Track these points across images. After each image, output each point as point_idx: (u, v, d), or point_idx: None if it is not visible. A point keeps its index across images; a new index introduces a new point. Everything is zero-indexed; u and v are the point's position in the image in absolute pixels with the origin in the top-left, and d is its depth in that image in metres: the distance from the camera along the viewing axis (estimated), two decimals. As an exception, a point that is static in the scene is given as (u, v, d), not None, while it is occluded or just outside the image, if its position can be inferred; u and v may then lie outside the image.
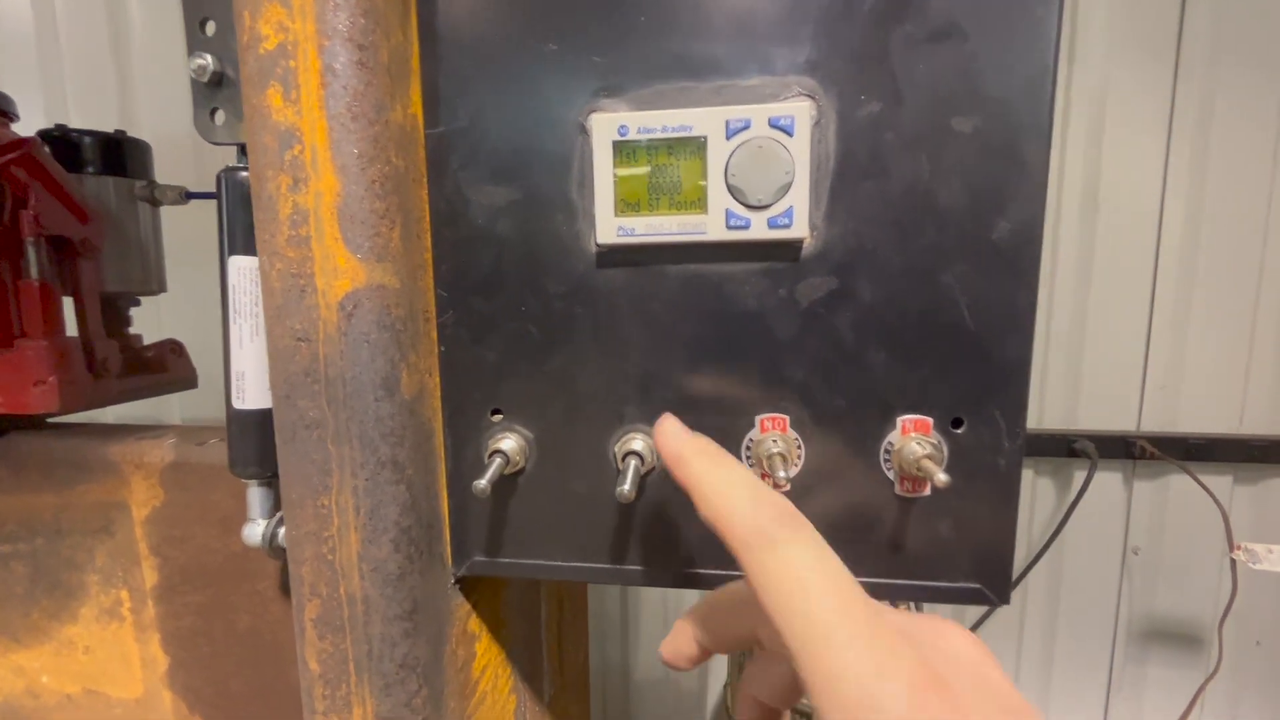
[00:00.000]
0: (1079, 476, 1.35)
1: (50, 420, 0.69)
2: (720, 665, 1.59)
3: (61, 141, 0.70)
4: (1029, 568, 1.40)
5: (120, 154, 0.75)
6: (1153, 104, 1.29)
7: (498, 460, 0.34)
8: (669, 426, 0.27)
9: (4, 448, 0.61)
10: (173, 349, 0.80)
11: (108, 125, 0.73)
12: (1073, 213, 1.33)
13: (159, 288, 0.80)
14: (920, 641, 0.20)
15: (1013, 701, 0.20)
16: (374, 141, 0.30)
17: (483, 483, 0.32)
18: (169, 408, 1.43)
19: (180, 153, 1.36)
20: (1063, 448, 1.38)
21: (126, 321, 0.78)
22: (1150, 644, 1.46)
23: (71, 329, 0.65)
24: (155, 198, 0.77)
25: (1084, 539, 1.44)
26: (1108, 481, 1.43)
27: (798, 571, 0.21)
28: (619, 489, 0.31)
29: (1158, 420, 1.39)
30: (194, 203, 0.77)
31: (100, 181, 0.73)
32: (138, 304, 0.80)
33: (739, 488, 0.23)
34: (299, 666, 0.35)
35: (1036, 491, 1.46)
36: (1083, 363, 1.39)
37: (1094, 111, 1.30)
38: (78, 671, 0.62)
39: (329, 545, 0.32)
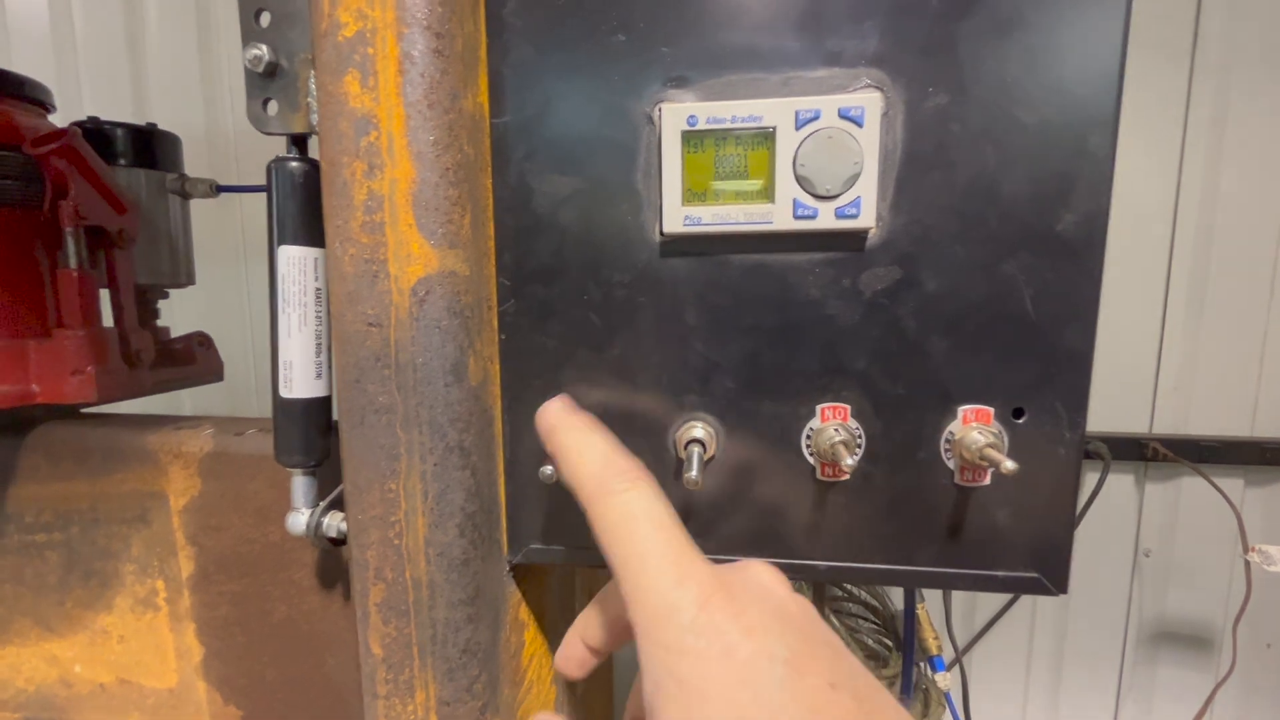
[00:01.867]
0: (1092, 478, 1.35)
1: (83, 410, 0.69)
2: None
3: (94, 133, 0.70)
4: (1042, 568, 1.40)
5: (152, 146, 0.76)
6: (1168, 106, 1.30)
7: (560, 447, 0.34)
8: (552, 404, 0.29)
9: (39, 437, 0.61)
10: (200, 341, 0.80)
11: (121, 118, 0.73)
12: (1087, 215, 1.33)
13: (188, 280, 0.81)
14: (722, 568, 0.23)
15: (788, 610, 0.22)
16: (449, 129, 0.30)
17: (548, 469, 0.32)
18: (178, 403, 1.44)
19: (195, 146, 1.36)
20: (1076, 449, 1.38)
21: (155, 314, 0.78)
22: (1161, 646, 1.46)
23: (105, 320, 0.66)
24: (186, 191, 0.78)
25: (1096, 541, 1.45)
26: (1120, 483, 1.43)
27: (630, 512, 0.24)
28: (686, 475, 0.32)
29: (1170, 422, 1.40)
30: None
31: (132, 174, 0.73)
32: (166, 296, 0.81)
33: (593, 450, 0.27)
34: (360, 651, 0.35)
35: (1048, 493, 1.46)
36: (1095, 364, 1.39)
37: (1110, 113, 1.30)
38: (112, 661, 0.63)
39: (395, 530, 0.33)
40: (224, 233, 1.43)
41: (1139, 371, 1.40)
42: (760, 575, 0.24)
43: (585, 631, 0.30)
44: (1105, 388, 1.40)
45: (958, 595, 1.49)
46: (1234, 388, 1.37)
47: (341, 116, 0.30)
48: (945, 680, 1.00)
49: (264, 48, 0.43)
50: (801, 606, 0.23)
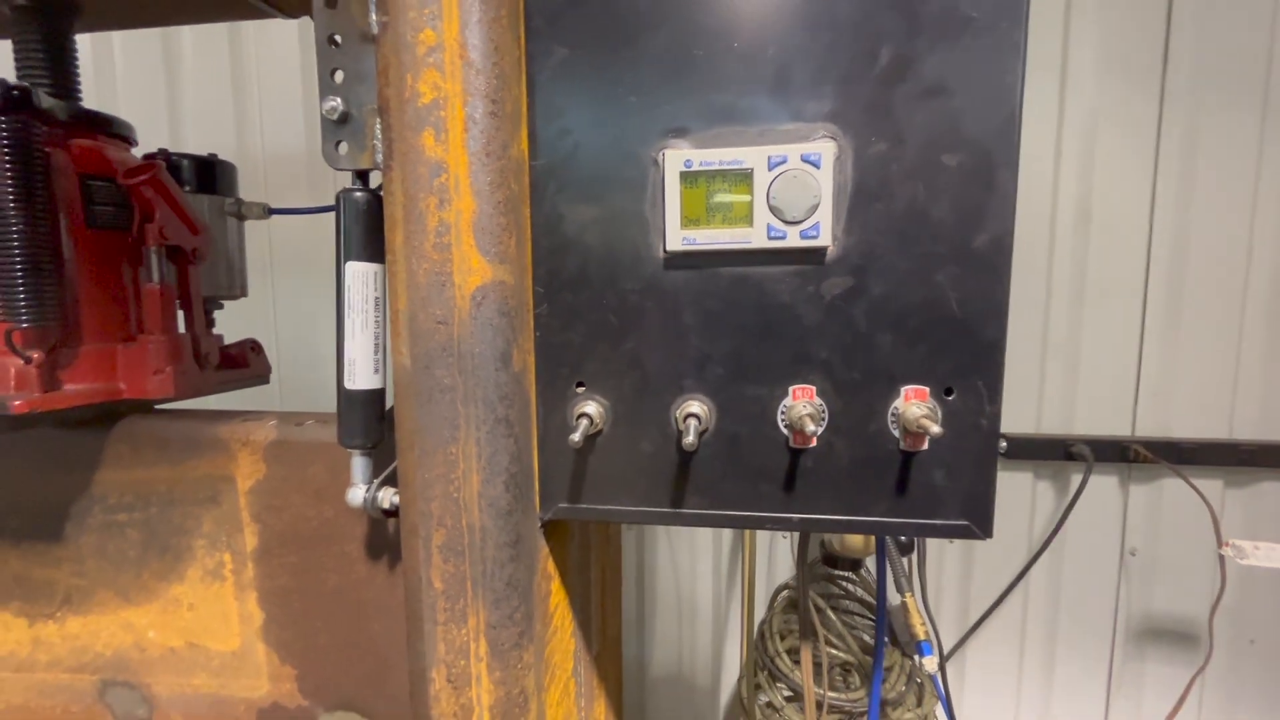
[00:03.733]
0: (1077, 480, 1.42)
1: (156, 408, 0.78)
2: (733, 662, 1.65)
3: (165, 164, 0.80)
4: (1029, 565, 1.47)
5: (213, 174, 0.86)
6: (1141, 125, 1.37)
7: (584, 421, 0.43)
8: None
9: (124, 429, 0.70)
10: (252, 347, 0.89)
11: (157, 144, 0.82)
12: (1067, 229, 1.42)
13: (241, 293, 0.90)
14: None
15: None
16: (500, 172, 0.39)
17: (575, 436, 0.41)
18: (207, 405, 1.53)
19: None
20: (1060, 451, 1.45)
21: (212, 322, 0.87)
22: (1148, 642, 1.51)
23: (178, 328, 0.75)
24: (241, 213, 0.87)
25: (1083, 542, 1.50)
26: (1105, 486, 1.48)
27: None
28: (684, 439, 0.40)
29: (1152, 426, 1.46)
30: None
31: (197, 199, 0.83)
32: (221, 307, 0.90)
33: None
34: (421, 587, 0.44)
35: (1036, 494, 1.52)
36: (1079, 370, 1.46)
37: (1086, 132, 1.38)
38: (182, 627, 0.71)
39: (455, 485, 0.41)
40: (254, 250, 1.53)
41: (1120, 377, 1.46)
42: None
43: None
44: (1088, 393, 1.47)
45: (949, 593, 1.56)
46: (1212, 393, 1.44)
47: (420, 163, 0.39)
48: (931, 663, 1.07)
49: (338, 100, 0.53)
50: None
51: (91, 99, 1.61)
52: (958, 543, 1.54)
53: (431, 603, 0.43)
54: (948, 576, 1.56)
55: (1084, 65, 1.37)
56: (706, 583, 1.63)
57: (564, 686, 0.55)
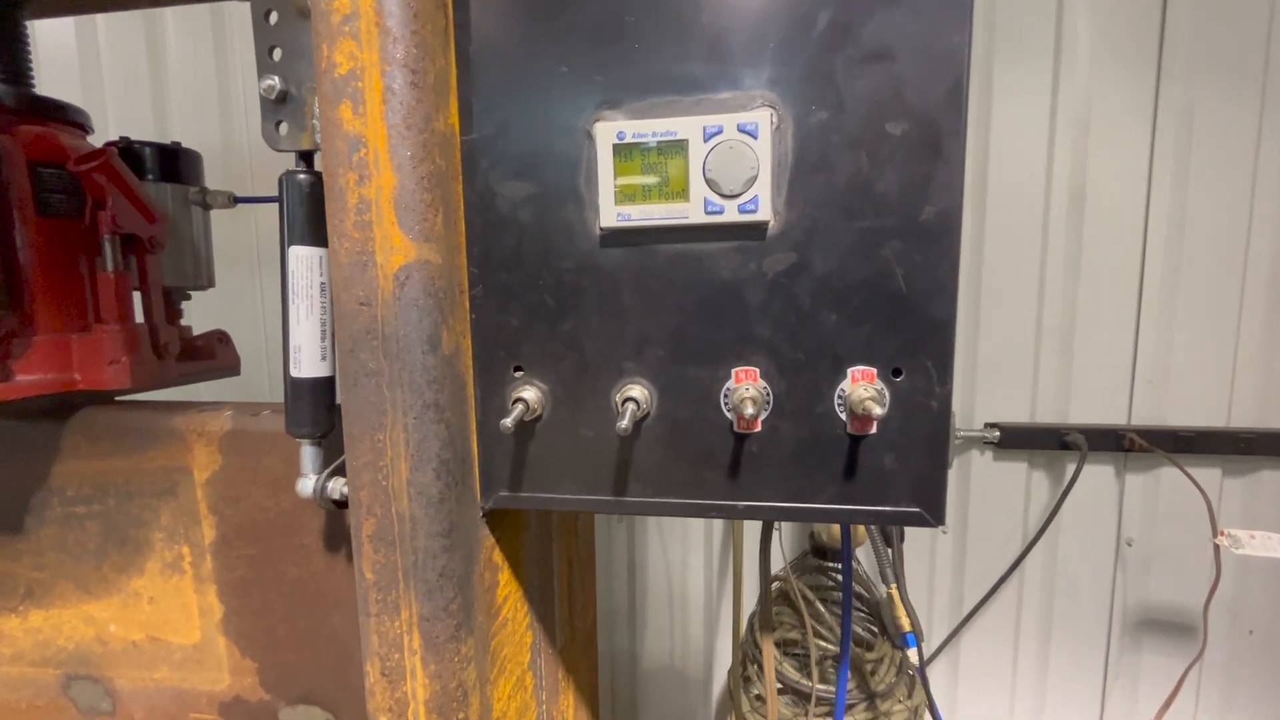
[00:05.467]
0: (1072, 469, 1.39)
1: (117, 398, 0.77)
2: (725, 654, 1.64)
3: (126, 152, 0.79)
4: (1023, 555, 1.45)
5: (177, 163, 0.84)
6: (1137, 108, 1.34)
7: (520, 406, 0.41)
8: None
9: (80, 420, 0.69)
10: (220, 339, 0.88)
11: (143, 136, 0.81)
12: (1061, 212, 1.39)
13: (208, 283, 0.89)
14: None
15: None
16: (423, 146, 0.38)
17: (508, 421, 0.39)
18: (195, 396, 1.52)
19: (211, 160, 1.46)
20: (1054, 440, 1.43)
21: (179, 313, 0.86)
22: (1145, 631, 1.49)
23: (137, 317, 0.74)
24: (207, 202, 0.86)
25: (1079, 532, 1.48)
26: (1100, 475, 1.46)
27: None
28: (618, 425, 0.39)
29: (1147, 414, 1.43)
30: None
31: (159, 187, 0.81)
32: (189, 298, 0.89)
33: None
34: (356, 579, 0.43)
35: (1031, 484, 1.50)
36: (1073, 358, 1.44)
37: (1080, 113, 1.35)
38: (143, 620, 0.70)
39: (383, 473, 0.40)
40: (240, 240, 1.52)
41: (1116, 364, 1.43)
42: None
43: None
44: (1083, 380, 1.45)
45: (942, 583, 1.54)
46: (1209, 380, 1.41)
47: (338, 137, 0.37)
48: (914, 656, 1.05)
49: (276, 78, 0.51)
50: None
51: (77, 87, 1.60)
52: (951, 533, 1.53)
53: (364, 594, 0.42)
54: (941, 567, 1.54)
55: (1079, 46, 1.34)
56: (698, 574, 1.62)
57: (517, 679, 0.54)
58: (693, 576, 1.64)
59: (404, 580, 0.40)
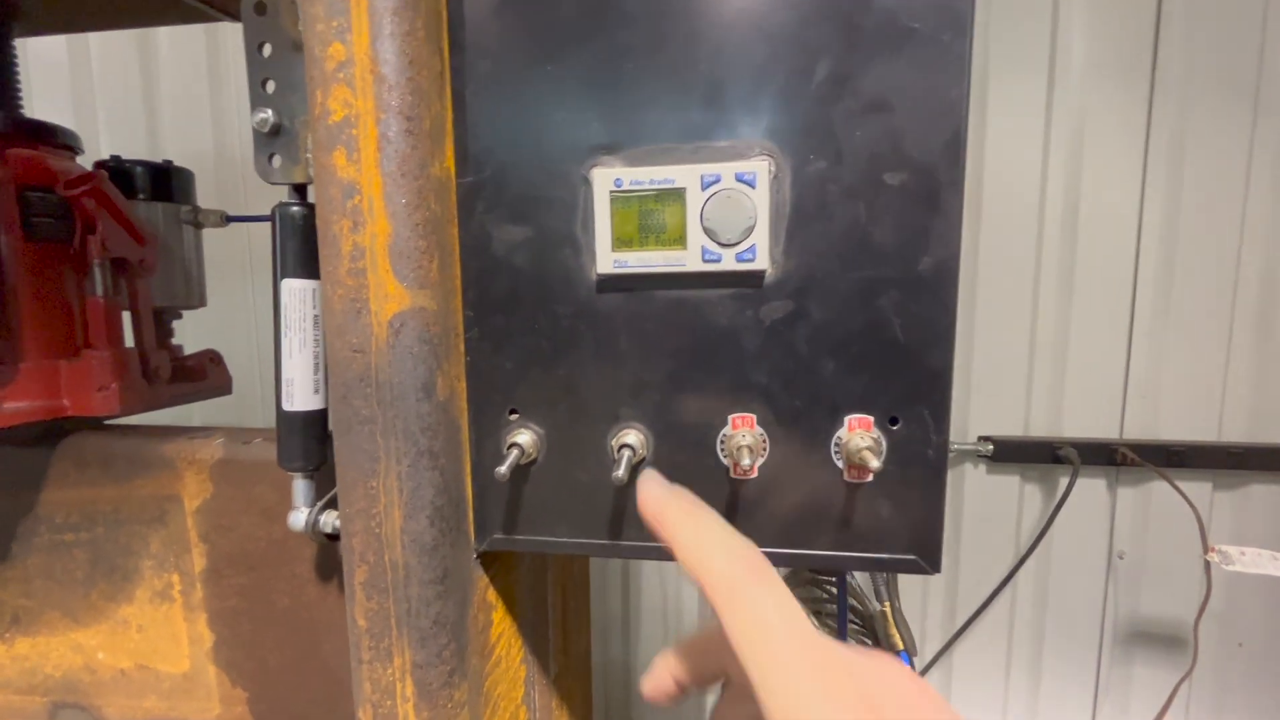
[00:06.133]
0: (1064, 483, 1.40)
1: (107, 422, 0.77)
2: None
3: (117, 171, 0.78)
4: (1016, 568, 1.46)
5: (168, 182, 0.83)
6: (1130, 126, 1.36)
7: (515, 452, 0.41)
8: (650, 489, 0.31)
9: (68, 447, 0.69)
10: (211, 359, 0.88)
11: (135, 152, 0.81)
12: (1054, 228, 1.40)
13: (200, 302, 0.88)
14: (863, 676, 0.24)
15: (923, 709, 0.23)
16: (418, 192, 0.37)
17: (503, 469, 0.39)
18: (187, 416, 1.51)
19: (205, 177, 1.45)
20: (1047, 454, 1.44)
21: (170, 333, 0.85)
22: (1136, 646, 1.50)
23: (127, 340, 0.73)
24: (198, 221, 0.85)
25: (1070, 545, 1.49)
26: (1092, 488, 1.47)
27: (763, 615, 0.24)
28: (614, 474, 0.38)
29: (1139, 428, 1.45)
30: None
31: (150, 207, 0.81)
32: (180, 317, 0.88)
33: (714, 543, 0.27)
34: (349, 625, 0.42)
35: (1024, 497, 1.51)
36: (1066, 372, 1.45)
37: (1074, 129, 1.36)
38: (131, 649, 0.69)
39: (376, 520, 0.39)
40: (232, 257, 1.51)
41: (1108, 379, 1.45)
42: (904, 685, 0.24)
43: (676, 669, 0.31)
44: (1076, 394, 1.46)
45: (935, 600, 1.54)
46: (1200, 395, 1.42)
47: (332, 184, 0.37)
48: (909, 673, 1.05)
49: (269, 111, 0.51)
50: (935, 703, 0.24)
51: (68, 104, 1.59)
52: (945, 546, 1.53)
53: (357, 641, 0.41)
54: (935, 579, 1.55)
55: (1072, 62, 1.34)
56: (693, 585, 1.62)
57: (510, 715, 0.53)
58: (687, 587, 1.64)
59: (397, 628, 0.40)
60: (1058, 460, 1.42)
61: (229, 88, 1.50)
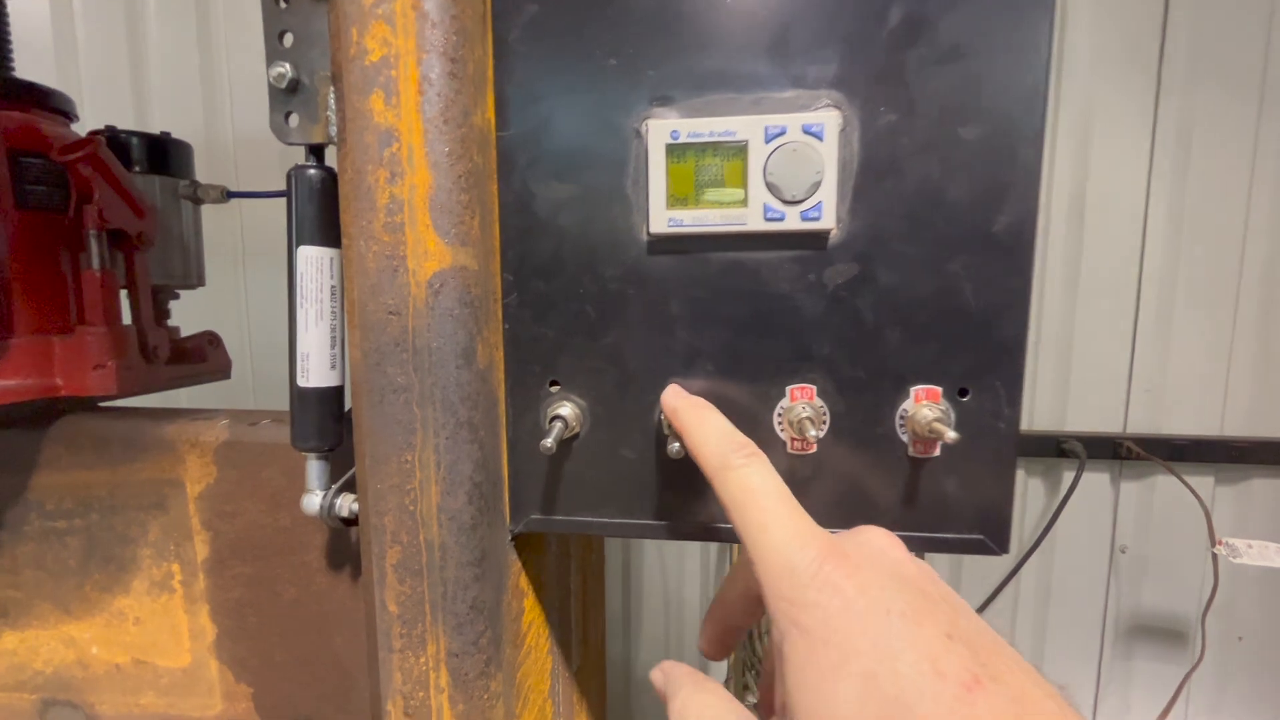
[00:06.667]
0: (1068, 477, 1.40)
1: (102, 404, 0.73)
2: (720, 664, 1.62)
3: (112, 142, 0.74)
4: (1020, 564, 1.45)
5: (166, 154, 0.79)
6: (1136, 116, 1.35)
7: (559, 424, 0.38)
8: (671, 388, 0.37)
9: (61, 428, 0.65)
10: (210, 340, 0.84)
11: (122, 126, 0.76)
12: (1060, 221, 1.39)
13: (198, 282, 0.84)
14: (839, 534, 0.26)
15: (904, 570, 0.25)
16: (461, 142, 0.34)
17: (548, 442, 0.36)
18: (175, 400, 1.46)
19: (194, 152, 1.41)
20: (1052, 448, 1.43)
21: (167, 314, 0.82)
22: (1137, 639, 1.50)
23: (123, 318, 0.69)
24: (198, 196, 0.81)
25: (1073, 538, 1.49)
26: (1096, 482, 1.47)
27: (750, 485, 0.28)
28: (670, 446, 0.36)
29: (1143, 422, 1.45)
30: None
31: (147, 180, 0.77)
32: (177, 297, 0.84)
33: (712, 429, 0.31)
34: (376, 611, 0.39)
35: (1028, 491, 1.51)
36: (1071, 366, 1.45)
37: (1080, 123, 1.36)
38: (128, 642, 0.66)
39: (411, 497, 0.36)
40: (224, 237, 1.46)
41: (1113, 373, 1.45)
42: (875, 540, 0.26)
43: (723, 613, 0.34)
44: (1081, 389, 1.45)
45: (940, 591, 1.53)
46: (1204, 389, 1.43)
47: (367, 130, 0.34)
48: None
49: (287, 65, 0.47)
50: (920, 568, 0.25)
51: (51, 69, 1.52)
52: (949, 541, 1.52)
53: (387, 628, 0.38)
54: (939, 572, 1.54)
55: (1079, 53, 1.34)
56: (694, 581, 1.60)
57: (539, 710, 0.50)
58: (689, 583, 1.62)
59: (431, 613, 0.37)
60: (1063, 454, 1.41)
61: (220, 63, 1.45)
